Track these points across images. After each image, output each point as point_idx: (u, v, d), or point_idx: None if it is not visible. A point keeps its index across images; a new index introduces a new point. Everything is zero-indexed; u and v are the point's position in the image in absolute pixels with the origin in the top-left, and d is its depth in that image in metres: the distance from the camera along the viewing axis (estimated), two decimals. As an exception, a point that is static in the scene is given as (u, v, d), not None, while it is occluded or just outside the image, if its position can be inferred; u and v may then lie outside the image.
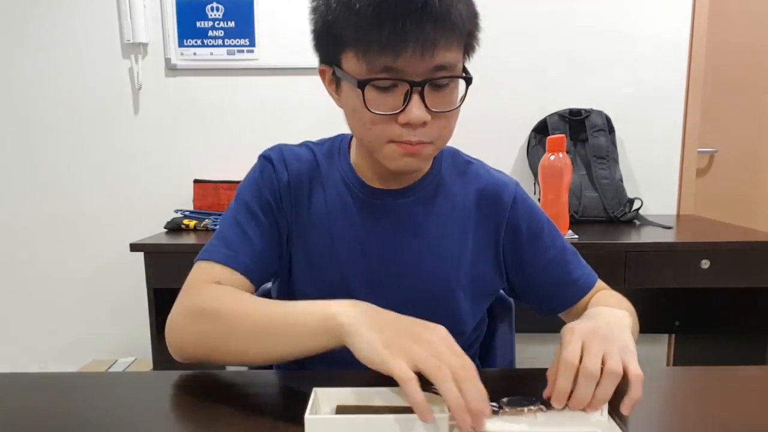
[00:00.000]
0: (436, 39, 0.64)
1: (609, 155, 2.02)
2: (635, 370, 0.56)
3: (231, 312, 0.67)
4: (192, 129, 2.16)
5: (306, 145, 0.85)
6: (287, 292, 0.83)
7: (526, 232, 0.82)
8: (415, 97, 0.67)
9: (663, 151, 2.15)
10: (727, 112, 2.31)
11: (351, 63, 0.68)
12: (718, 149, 2.33)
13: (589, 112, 2.06)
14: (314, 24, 0.72)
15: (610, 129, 2.06)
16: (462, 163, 0.85)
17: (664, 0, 2.06)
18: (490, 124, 2.12)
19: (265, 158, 0.83)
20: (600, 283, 0.86)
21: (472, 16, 0.69)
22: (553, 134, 1.93)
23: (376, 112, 0.68)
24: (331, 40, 0.69)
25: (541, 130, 2.08)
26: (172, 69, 2.12)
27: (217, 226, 0.82)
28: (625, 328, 0.66)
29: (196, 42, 2.10)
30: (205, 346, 0.68)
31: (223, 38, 2.09)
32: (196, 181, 2.11)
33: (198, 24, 2.09)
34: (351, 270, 0.79)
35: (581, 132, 2.06)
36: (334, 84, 0.74)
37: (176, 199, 2.15)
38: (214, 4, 2.08)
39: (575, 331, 0.60)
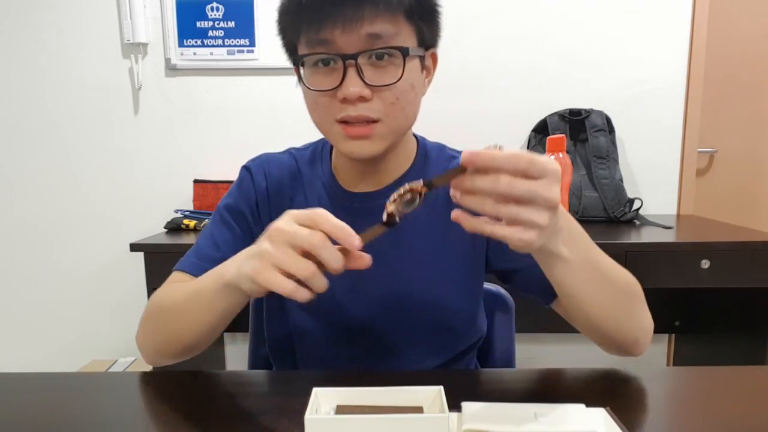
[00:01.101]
0: (357, 11, 0.65)
1: (609, 155, 2.02)
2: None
3: (163, 302, 0.72)
4: (192, 129, 2.16)
5: (289, 152, 0.87)
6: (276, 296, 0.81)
7: None
8: (350, 71, 0.67)
9: (663, 151, 2.15)
10: (727, 112, 2.31)
11: (299, 51, 0.71)
12: (718, 149, 2.33)
13: (589, 112, 2.06)
14: (277, 27, 0.75)
15: (610, 129, 2.06)
16: (446, 158, 0.84)
17: (664, 0, 2.07)
18: (490, 124, 2.12)
19: (246, 169, 0.86)
20: None
21: None
22: (553, 134, 1.92)
23: (314, 88, 0.70)
24: (285, 34, 0.73)
25: (541, 130, 2.08)
26: (172, 69, 2.12)
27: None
28: (596, 249, 0.63)
29: (196, 42, 2.10)
30: (155, 342, 0.73)
31: (223, 38, 2.09)
32: (196, 181, 2.11)
33: (198, 24, 2.09)
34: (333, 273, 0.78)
35: (581, 132, 2.06)
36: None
37: (176, 199, 2.15)
38: (214, 4, 2.07)
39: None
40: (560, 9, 2.08)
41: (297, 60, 0.71)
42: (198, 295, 0.65)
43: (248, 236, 0.81)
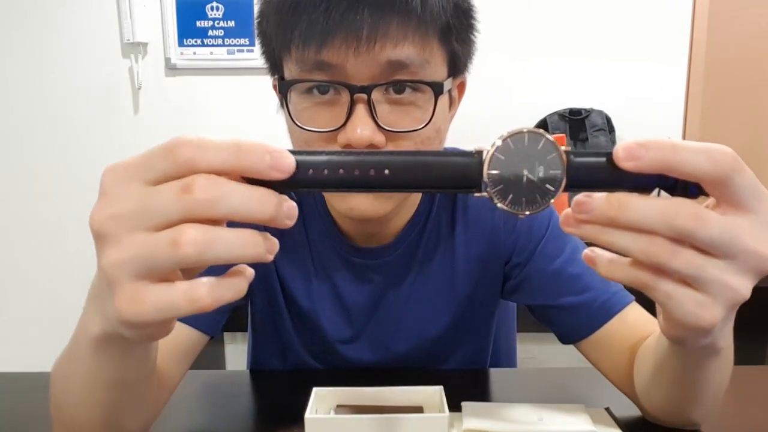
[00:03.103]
0: (378, 25, 0.49)
1: (609, 155, 2.03)
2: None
3: (53, 372, 0.46)
4: (192, 129, 2.16)
5: None
6: (271, 321, 0.75)
7: (530, 240, 0.69)
8: (360, 109, 0.51)
9: (663, 150, 2.15)
10: (727, 111, 2.31)
11: (287, 69, 0.55)
12: (718, 149, 2.33)
13: (589, 111, 2.06)
14: (256, 29, 0.59)
15: (610, 129, 2.06)
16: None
17: (664, 0, 2.07)
18: (491, 123, 2.12)
19: None
20: (636, 308, 0.64)
21: (452, 5, 0.54)
22: (553, 134, 1.92)
23: (307, 128, 0.53)
24: (266, 43, 0.58)
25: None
26: (172, 69, 2.12)
27: None
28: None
29: (196, 41, 2.10)
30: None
31: (222, 38, 2.09)
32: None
33: (198, 23, 2.09)
34: (331, 328, 0.72)
35: (581, 132, 2.06)
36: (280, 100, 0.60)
37: (176, 199, 2.15)
38: (214, 4, 2.07)
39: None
40: (560, 8, 2.08)
41: (284, 86, 0.54)
42: (73, 362, 0.42)
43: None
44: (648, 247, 0.30)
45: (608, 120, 2.06)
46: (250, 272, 0.31)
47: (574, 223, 0.31)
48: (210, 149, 0.30)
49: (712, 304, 0.31)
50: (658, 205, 0.29)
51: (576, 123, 2.06)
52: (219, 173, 0.29)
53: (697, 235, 0.29)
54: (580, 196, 0.31)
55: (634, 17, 2.07)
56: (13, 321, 2.28)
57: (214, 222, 0.29)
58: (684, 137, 2.13)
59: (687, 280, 0.31)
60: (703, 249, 0.30)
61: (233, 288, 0.30)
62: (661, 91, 2.11)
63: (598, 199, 0.30)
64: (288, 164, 0.30)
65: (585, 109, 2.07)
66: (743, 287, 0.31)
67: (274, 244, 0.30)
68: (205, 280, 0.30)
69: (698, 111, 2.12)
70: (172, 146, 0.30)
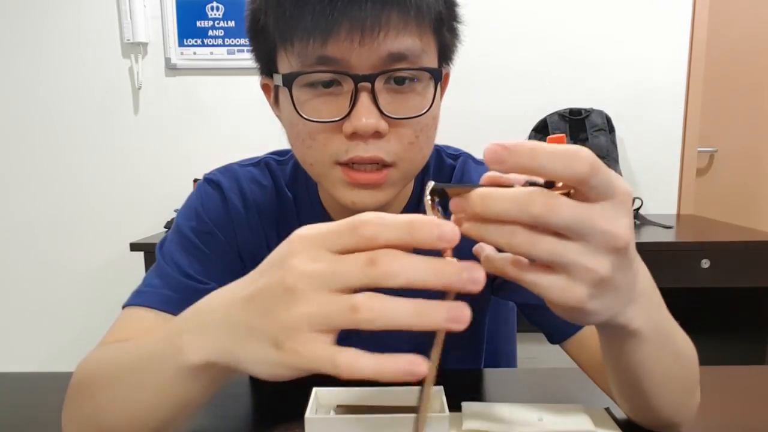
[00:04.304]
0: (380, 17, 0.50)
1: (609, 155, 2.02)
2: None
3: (92, 374, 0.49)
4: (192, 129, 2.16)
5: (266, 162, 0.71)
6: None
7: None
8: (364, 98, 0.52)
9: (663, 150, 2.15)
10: (727, 111, 2.31)
11: (284, 63, 0.56)
12: (719, 148, 2.33)
13: (589, 111, 2.06)
14: (246, 23, 0.60)
15: (610, 129, 2.06)
16: (447, 168, 0.72)
17: (664, 0, 2.07)
18: (491, 123, 2.12)
19: (211, 183, 0.69)
20: None
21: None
22: (554, 134, 1.93)
23: (312, 119, 0.54)
24: (261, 38, 0.59)
25: (542, 129, 2.08)
26: (172, 69, 2.12)
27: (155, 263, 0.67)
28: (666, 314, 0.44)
29: (196, 41, 2.10)
30: None
31: (223, 38, 2.09)
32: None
33: (198, 23, 2.09)
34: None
35: (581, 131, 2.06)
36: (274, 97, 0.62)
37: (176, 199, 2.14)
38: (214, 4, 2.07)
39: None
40: (560, 9, 2.08)
41: (289, 79, 0.54)
42: (143, 375, 0.43)
43: (227, 261, 0.66)
44: (510, 238, 0.32)
45: (608, 120, 2.06)
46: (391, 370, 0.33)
47: (457, 223, 0.34)
48: (389, 227, 0.31)
49: (574, 285, 0.33)
50: (513, 195, 0.31)
51: (576, 123, 2.06)
52: (396, 247, 0.31)
53: (551, 221, 0.31)
54: (456, 198, 0.33)
55: (635, 17, 2.07)
56: (13, 321, 2.28)
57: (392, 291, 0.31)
58: (684, 137, 2.13)
59: (551, 266, 0.34)
60: (561, 234, 0.32)
61: (372, 364, 0.32)
62: (662, 90, 2.11)
63: (469, 197, 0.33)
64: (454, 235, 0.31)
65: (585, 109, 2.07)
66: (601, 267, 0.33)
67: (458, 314, 0.31)
68: (352, 351, 0.32)
69: (698, 110, 2.12)
70: (357, 224, 0.32)
